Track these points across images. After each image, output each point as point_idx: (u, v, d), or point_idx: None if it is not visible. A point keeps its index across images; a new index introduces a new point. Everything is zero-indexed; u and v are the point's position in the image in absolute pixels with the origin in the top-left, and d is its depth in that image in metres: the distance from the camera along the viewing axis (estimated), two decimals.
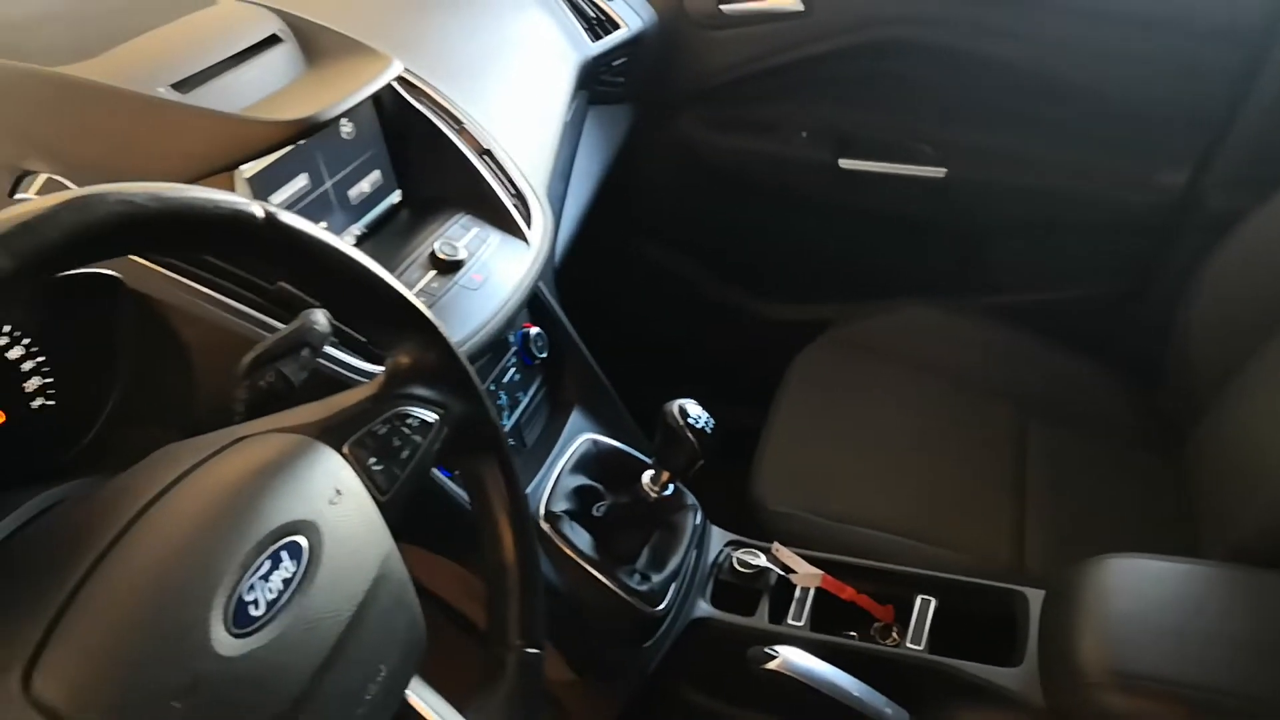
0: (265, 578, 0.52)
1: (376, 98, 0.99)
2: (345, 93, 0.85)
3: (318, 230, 0.59)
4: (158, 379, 0.78)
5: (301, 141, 0.88)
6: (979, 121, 1.57)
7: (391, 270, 0.69)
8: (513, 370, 1.08)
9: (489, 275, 0.95)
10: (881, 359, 1.49)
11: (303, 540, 0.55)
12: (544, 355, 1.12)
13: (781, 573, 1.10)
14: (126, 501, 0.54)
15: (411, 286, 0.90)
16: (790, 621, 1.06)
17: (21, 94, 0.80)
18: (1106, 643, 0.89)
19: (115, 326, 0.76)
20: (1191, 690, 0.84)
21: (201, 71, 0.85)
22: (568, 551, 1.00)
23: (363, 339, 0.83)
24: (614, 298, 1.71)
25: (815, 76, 1.60)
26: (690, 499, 1.11)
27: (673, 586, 1.04)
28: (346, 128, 0.96)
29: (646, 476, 1.03)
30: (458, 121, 1.05)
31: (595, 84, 1.48)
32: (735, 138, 1.69)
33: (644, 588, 1.01)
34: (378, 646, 0.58)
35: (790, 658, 0.94)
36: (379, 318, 0.65)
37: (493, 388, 1.04)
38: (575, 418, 1.13)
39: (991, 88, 1.55)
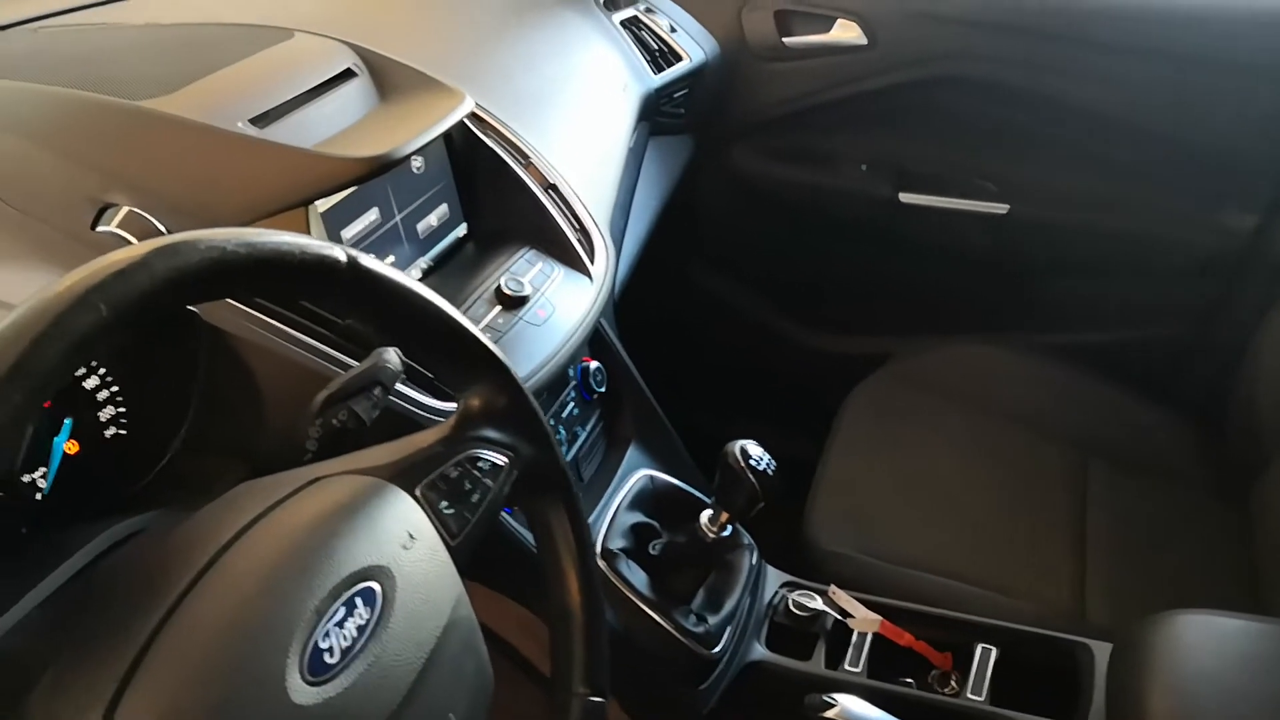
0: (340, 624, 0.52)
1: (446, 132, 1.00)
2: (419, 129, 0.85)
3: (397, 274, 0.60)
4: (228, 411, 0.79)
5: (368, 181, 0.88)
6: (1043, 159, 1.55)
7: (457, 305, 0.69)
8: (572, 404, 1.08)
9: (553, 311, 0.95)
10: (939, 396, 1.47)
11: (376, 586, 0.55)
12: (602, 390, 1.12)
13: (838, 616, 1.08)
14: (204, 542, 0.54)
15: (477, 322, 0.90)
16: (847, 667, 1.04)
17: (103, 127, 0.81)
18: (1178, 702, 0.87)
19: (189, 359, 0.77)
20: None
21: (278, 106, 0.86)
22: (624, 590, 0.99)
23: (431, 377, 0.83)
24: (669, 327, 1.71)
25: (877, 110, 1.59)
26: (747, 539, 1.10)
27: (729, 628, 1.03)
28: (416, 162, 0.96)
29: (705, 516, 1.02)
30: (524, 155, 1.05)
31: (656, 115, 1.48)
32: (795, 169, 1.68)
33: (700, 629, 1.00)
34: (447, 694, 0.58)
35: (849, 706, 0.92)
36: (453, 360, 0.65)
37: (551, 422, 1.04)
38: (632, 453, 1.13)
39: (1056, 125, 1.53)
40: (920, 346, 1.57)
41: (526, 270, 0.98)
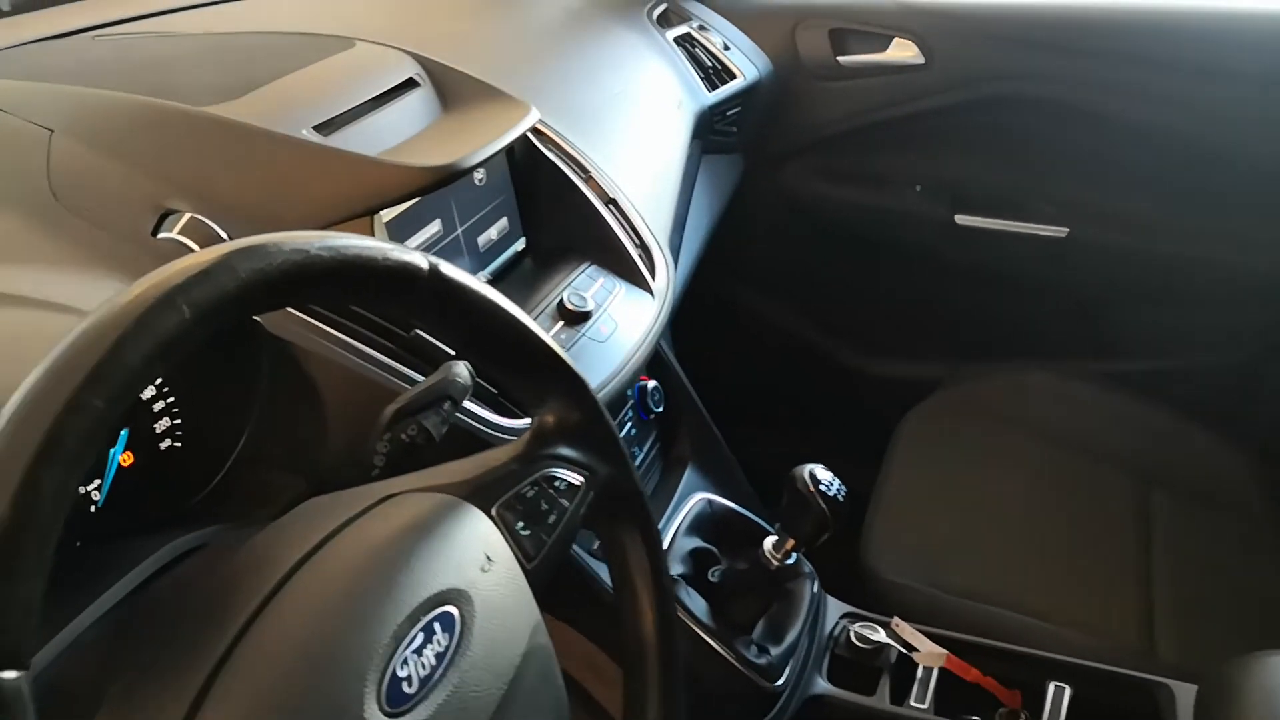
0: (418, 651, 0.49)
1: (508, 145, 0.98)
2: (487, 140, 0.83)
3: (478, 283, 0.57)
4: (288, 425, 0.76)
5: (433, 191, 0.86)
6: (1104, 181, 1.52)
7: None
8: (629, 424, 1.05)
9: (615, 327, 0.92)
10: (994, 422, 1.43)
11: (455, 611, 0.52)
12: (660, 410, 1.08)
13: (903, 650, 1.04)
14: (274, 560, 0.52)
15: None
16: (913, 703, 1.00)
17: (165, 132, 0.80)
18: None
19: (250, 371, 0.75)
20: None
21: (342, 114, 0.84)
22: (684, 619, 0.95)
23: (495, 391, 0.80)
24: (716, 350, 1.68)
25: (933, 129, 1.56)
26: (808, 567, 1.07)
27: (791, 660, 0.99)
28: (479, 174, 0.94)
29: (769, 543, 0.99)
30: (584, 170, 1.03)
31: (709, 133, 1.46)
32: (848, 190, 1.65)
33: (762, 660, 0.96)
34: None
35: None
36: (529, 374, 0.62)
37: None
38: (689, 475, 1.10)
39: (1117, 146, 1.50)
40: (974, 372, 1.53)
41: (588, 285, 0.95)
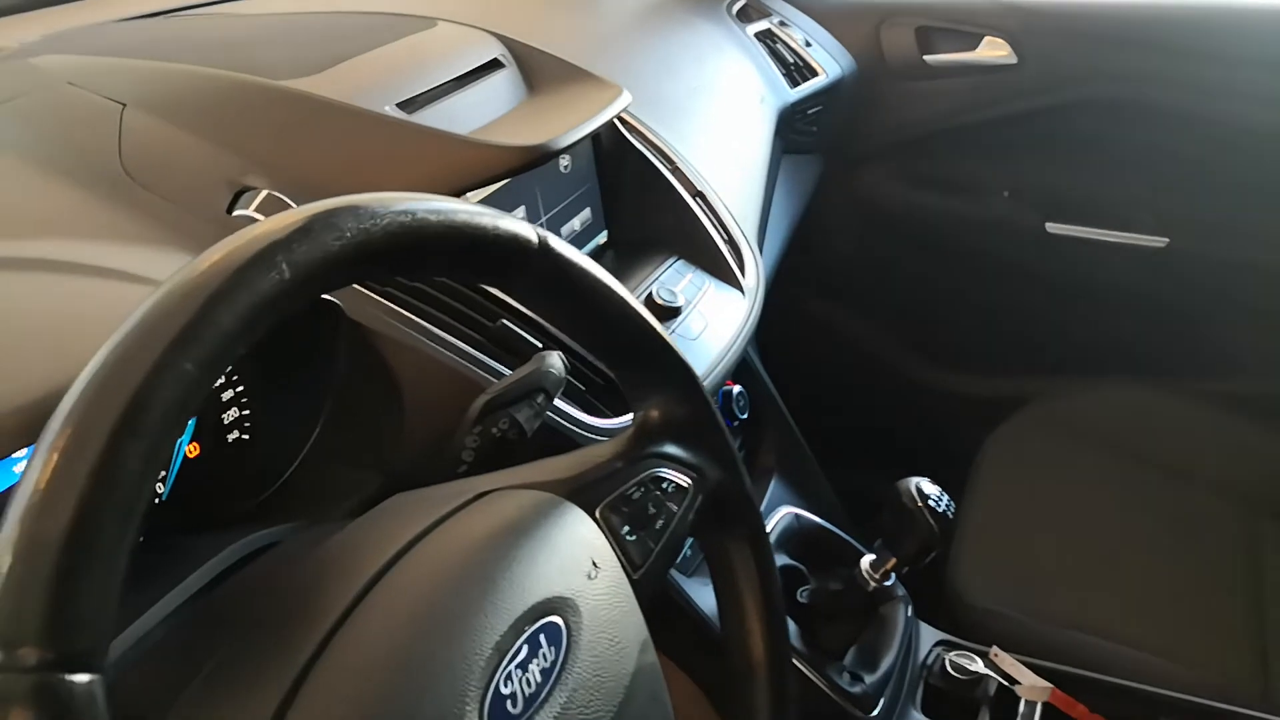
0: (523, 666, 0.44)
1: (595, 132, 0.93)
2: (578, 120, 0.78)
3: (588, 261, 0.52)
4: (365, 417, 0.71)
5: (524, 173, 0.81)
6: (1207, 189, 1.43)
7: None
8: None
9: (707, 325, 0.86)
10: (1087, 442, 1.35)
11: (560, 621, 0.46)
12: (744, 416, 1.02)
13: (1003, 682, 0.96)
14: (363, 559, 0.46)
15: None
16: None
17: (243, 107, 0.75)
18: None
19: (326, 358, 0.70)
20: None
21: (425, 93, 0.80)
22: None
23: (583, 389, 0.75)
24: (785, 362, 1.61)
25: (1024, 133, 1.49)
26: (901, 590, 1.00)
27: (885, 688, 0.92)
28: (564, 161, 0.89)
29: (867, 562, 0.92)
30: (671, 161, 0.98)
31: (790, 132, 1.40)
32: (931, 195, 1.58)
33: (856, 689, 0.89)
34: None
35: None
36: (635, 362, 0.56)
37: None
38: (775, 487, 1.03)
39: (1223, 153, 1.41)
40: (1063, 389, 1.45)
41: (677, 280, 0.89)
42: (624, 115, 0.97)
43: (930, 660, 1.01)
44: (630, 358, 0.56)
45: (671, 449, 0.57)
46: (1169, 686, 0.98)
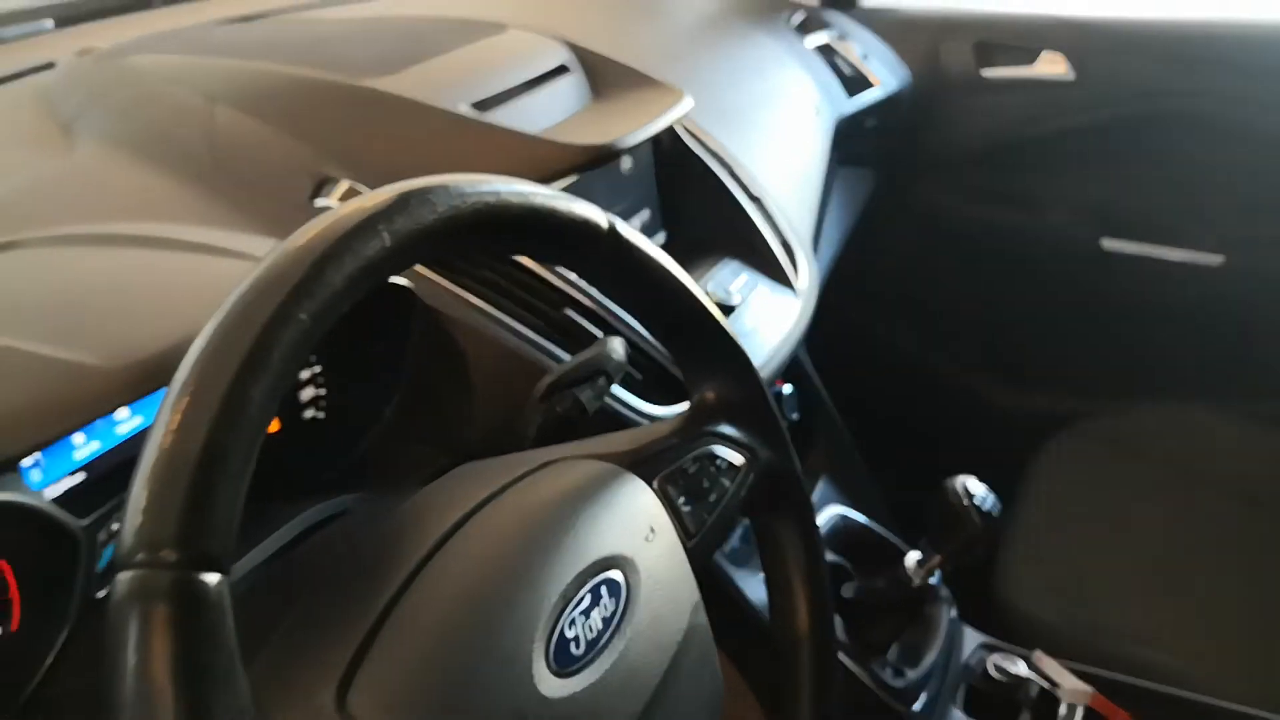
0: (586, 613, 0.47)
1: (655, 136, 0.96)
2: (641, 122, 0.81)
3: (654, 248, 0.55)
4: (434, 398, 0.75)
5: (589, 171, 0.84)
6: (1265, 207, 1.42)
7: None
8: None
9: (760, 323, 0.89)
10: (1141, 460, 1.35)
11: (620, 577, 0.49)
12: (795, 417, 1.04)
13: (1045, 685, 0.97)
14: (437, 518, 0.50)
15: None
16: None
17: (324, 103, 0.80)
18: None
19: (399, 341, 0.73)
20: None
21: (497, 94, 0.84)
22: None
23: (640, 379, 0.78)
24: (836, 368, 1.63)
25: (1080, 149, 1.49)
26: (945, 591, 1.01)
27: (926, 685, 0.93)
28: (626, 163, 0.92)
29: (912, 558, 0.93)
30: (728, 166, 1.01)
31: (845, 143, 1.42)
32: (986, 209, 1.59)
33: (898, 683, 0.90)
34: (688, 704, 0.52)
35: None
36: (695, 346, 0.59)
37: None
38: (823, 487, 1.05)
39: None
40: (1116, 407, 1.45)
41: (732, 279, 0.92)
42: (684, 121, 1.00)
43: (973, 662, 1.02)
44: (690, 341, 0.59)
45: (726, 429, 0.60)
46: (1213, 696, 0.98)
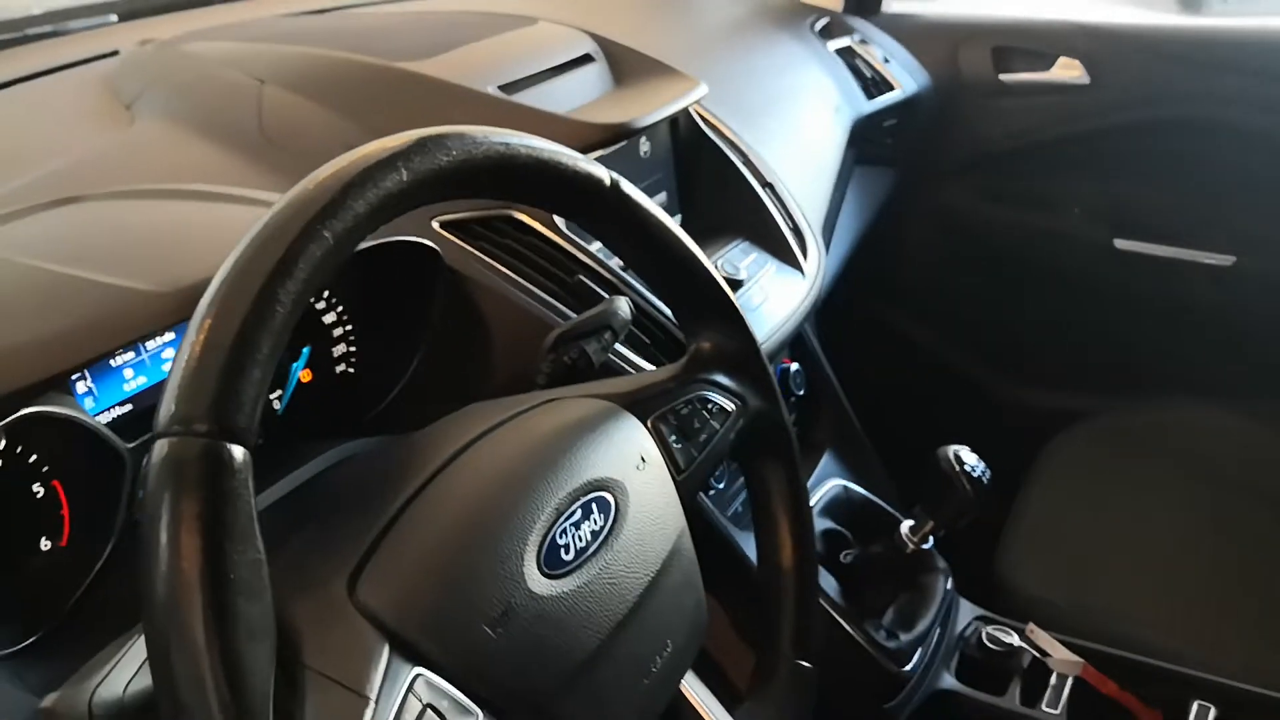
0: (576, 525, 0.52)
1: (674, 122, 1.02)
2: (655, 105, 0.87)
3: (653, 205, 0.60)
4: (455, 355, 0.81)
5: (605, 151, 0.90)
6: (1276, 209, 1.45)
7: None
8: None
9: (766, 298, 0.94)
10: (1147, 455, 1.38)
11: (610, 498, 0.55)
12: (800, 393, 1.09)
13: (1037, 655, 1.01)
14: (445, 443, 0.55)
15: None
16: (1044, 708, 0.97)
17: (365, 84, 0.87)
18: None
19: (425, 301, 0.80)
20: None
21: (524, 78, 0.90)
22: None
23: (649, 341, 0.83)
24: (850, 360, 1.67)
25: (1095, 151, 1.53)
26: (941, 563, 1.05)
27: (920, 649, 0.97)
28: (644, 146, 0.98)
29: (906, 526, 0.98)
30: (744, 154, 1.06)
31: (864, 143, 1.47)
32: (1002, 209, 1.63)
33: (891, 644, 0.95)
34: (667, 620, 0.57)
35: None
36: (691, 298, 0.65)
37: None
38: (826, 461, 1.10)
39: None
40: (1127, 404, 1.48)
41: (742, 258, 0.98)
42: (702, 112, 1.06)
43: (968, 632, 1.06)
44: (686, 292, 0.65)
45: (719, 377, 0.65)
46: (1203, 671, 1.01)
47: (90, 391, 0.60)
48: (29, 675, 0.53)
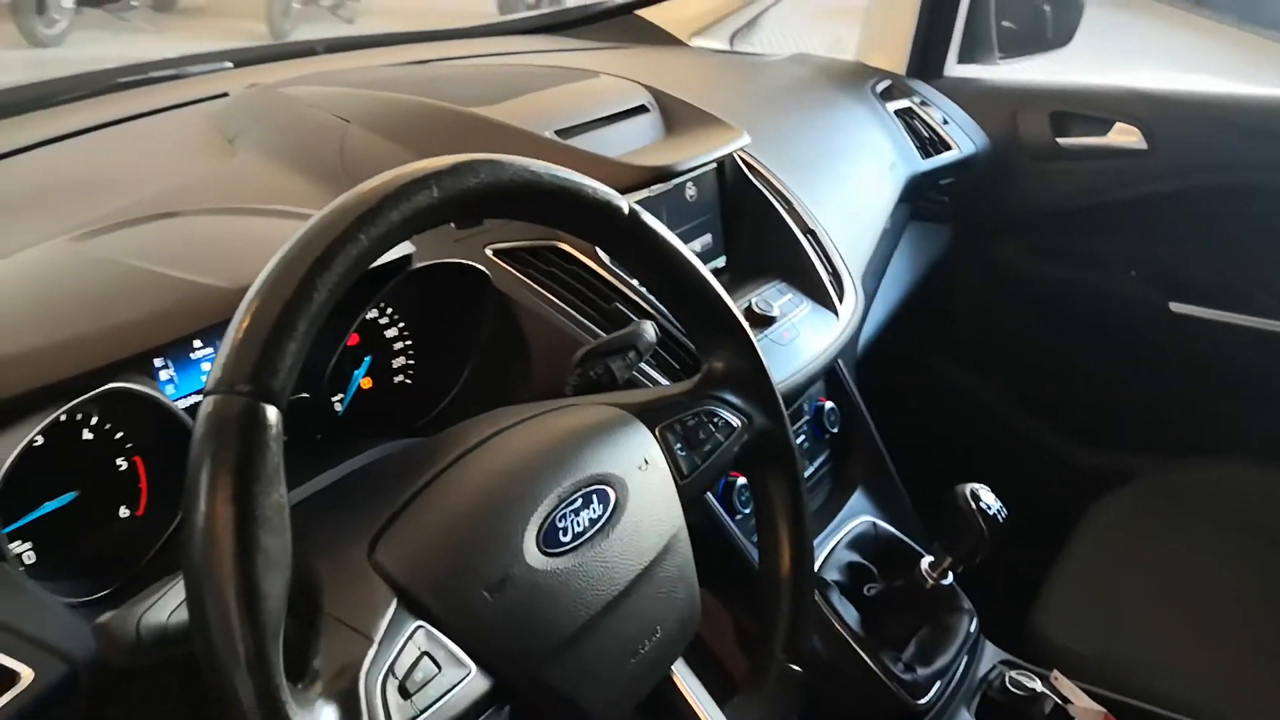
0: (576, 512, 0.59)
1: (720, 170, 1.09)
2: (695, 152, 0.95)
3: (668, 233, 0.67)
4: (499, 369, 0.88)
5: (651, 192, 0.98)
6: None
7: None
8: (802, 438, 1.11)
9: (797, 335, 1.00)
10: (1198, 517, 1.37)
11: (611, 491, 0.61)
12: (835, 430, 1.14)
13: (1059, 701, 1.02)
14: (469, 435, 0.63)
15: None
16: None
17: (435, 125, 0.96)
18: None
19: (475, 320, 0.87)
20: None
21: (580, 125, 0.98)
22: (833, 623, 0.99)
23: (677, 366, 0.89)
24: (894, 404, 1.69)
25: (1152, 215, 1.55)
26: (966, 603, 1.07)
27: (938, 684, 1.00)
28: (690, 190, 1.05)
29: (925, 562, 1.01)
30: (789, 202, 1.12)
31: (919, 199, 1.52)
32: (1056, 267, 1.65)
33: (908, 677, 0.98)
34: (657, 608, 0.62)
35: None
36: (704, 320, 0.71)
37: None
38: (857, 498, 1.14)
39: None
40: (1179, 464, 1.48)
41: (777, 297, 1.03)
42: (750, 160, 1.13)
43: (991, 675, 1.07)
44: (701, 318, 0.71)
45: (729, 396, 0.71)
46: None
47: (172, 379, 0.69)
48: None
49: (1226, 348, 1.54)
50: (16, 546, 0.64)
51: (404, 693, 0.49)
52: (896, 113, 1.54)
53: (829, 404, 1.14)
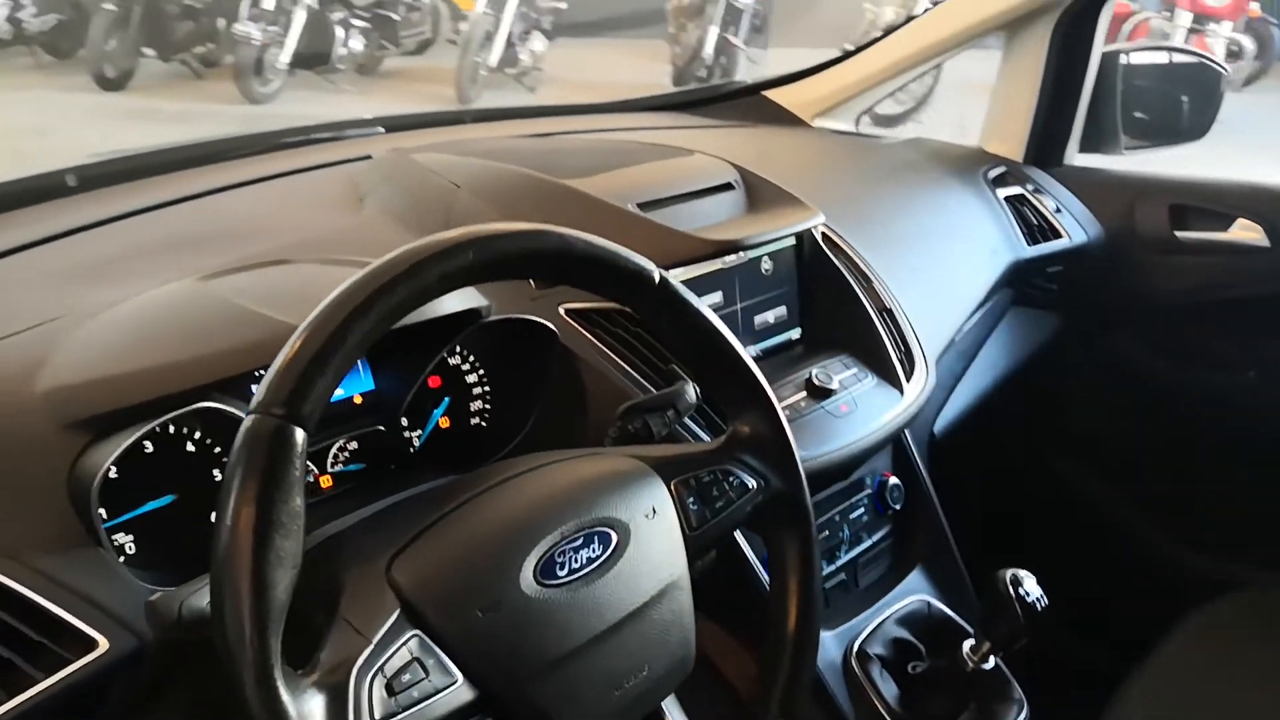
0: (576, 550, 0.65)
1: (799, 245, 1.14)
2: (764, 229, 1.01)
3: (697, 301, 0.73)
4: (565, 417, 0.96)
5: (723, 264, 1.04)
6: None
7: (772, 385, 0.80)
8: (862, 511, 1.13)
9: (855, 409, 1.03)
10: None
11: (614, 535, 0.67)
12: (898, 507, 1.16)
13: None
14: (498, 473, 0.70)
15: (782, 400, 1.01)
16: None
17: (532, 194, 1.06)
18: None
19: (543, 371, 0.96)
20: None
21: (663, 199, 1.06)
22: (870, 697, 1.01)
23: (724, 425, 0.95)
24: (984, 491, 1.66)
25: (1273, 314, 1.50)
26: (1017, 692, 1.06)
27: None
28: (767, 265, 1.11)
29: (967, 645, 1.01)
30: (867, 279, 1.16)
31: (1024, 285, 1.52)
32: (1171, 362, 1.61)
33: None
34: (648, 647, 0.67)
35: None
36: (730, 385, 0.76)
37: (837, 519, 1.10)
38: (915, 576, 1.15)
39: None
40: None
41: (840, 370, 1.07)
42: (834, 238, 1.17)
43: None
44: (727, 383, 0.76)
45: (749, 459, 0.76)
46: None
47: None
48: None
49: None
50: (120, 538, 0.75)
51: (389, 690, 0.56)
52: (1007, 199, 1.55)
53: (893, 480, 1.16)
